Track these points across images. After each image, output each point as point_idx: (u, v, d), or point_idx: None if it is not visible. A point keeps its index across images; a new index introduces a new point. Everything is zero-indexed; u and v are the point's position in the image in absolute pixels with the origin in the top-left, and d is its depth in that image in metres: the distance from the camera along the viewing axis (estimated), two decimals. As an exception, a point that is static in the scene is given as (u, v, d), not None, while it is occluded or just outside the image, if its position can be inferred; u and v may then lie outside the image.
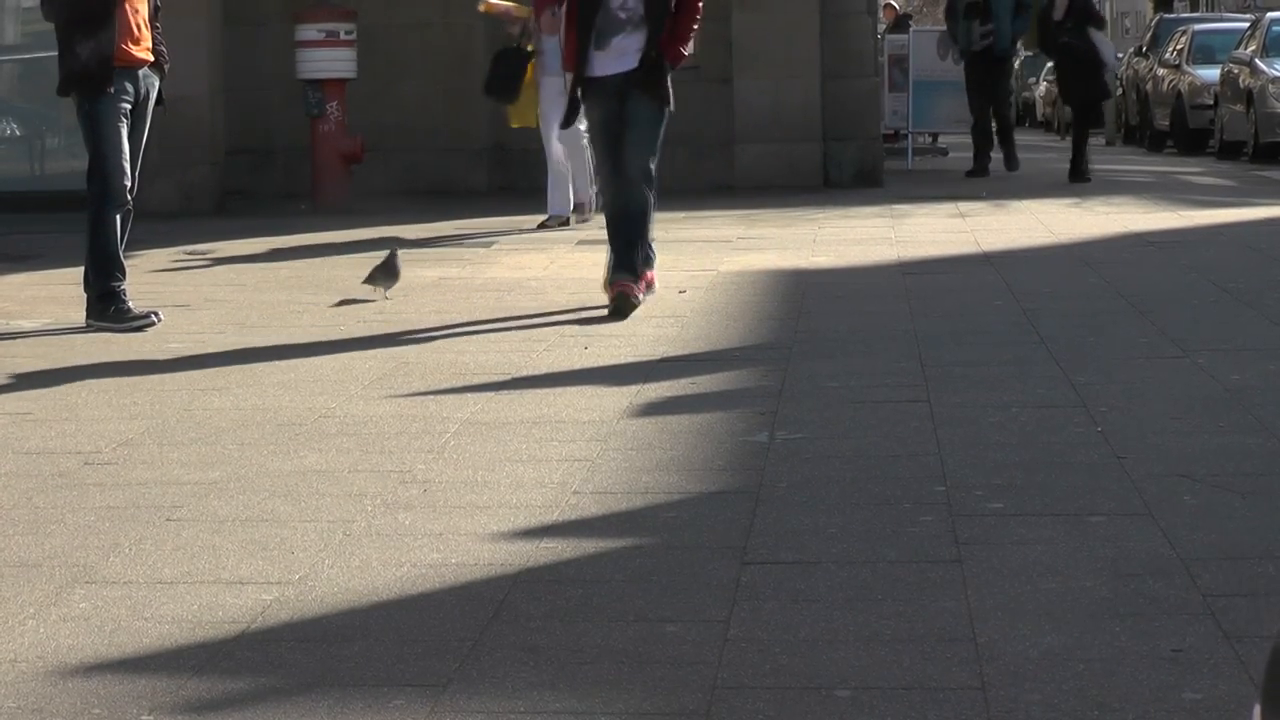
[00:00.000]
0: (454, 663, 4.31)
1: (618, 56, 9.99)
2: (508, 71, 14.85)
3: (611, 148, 10.06)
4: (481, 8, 15.24)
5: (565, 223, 14.91)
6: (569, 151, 14.71)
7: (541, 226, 14.86)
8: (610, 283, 10.04)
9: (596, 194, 13.84)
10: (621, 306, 9.84)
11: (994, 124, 21.34)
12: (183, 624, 4.63)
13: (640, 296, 10.06)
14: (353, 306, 10.50)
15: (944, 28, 21.76)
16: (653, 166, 10.03)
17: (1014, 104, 44.93)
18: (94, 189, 9.76)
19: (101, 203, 9.75)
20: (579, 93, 10.16)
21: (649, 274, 10.35)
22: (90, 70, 9.64)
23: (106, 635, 4.55)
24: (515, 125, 15.56)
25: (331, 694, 4.11)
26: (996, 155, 21.23)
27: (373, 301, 10.52)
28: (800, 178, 18.57)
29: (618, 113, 10.00)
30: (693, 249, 13.27)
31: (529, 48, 14.70)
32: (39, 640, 4.51)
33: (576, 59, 10.07)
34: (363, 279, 10.72)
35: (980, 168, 20.69)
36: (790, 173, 18.62)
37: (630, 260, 10.05)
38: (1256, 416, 6.96)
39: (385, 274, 10.61)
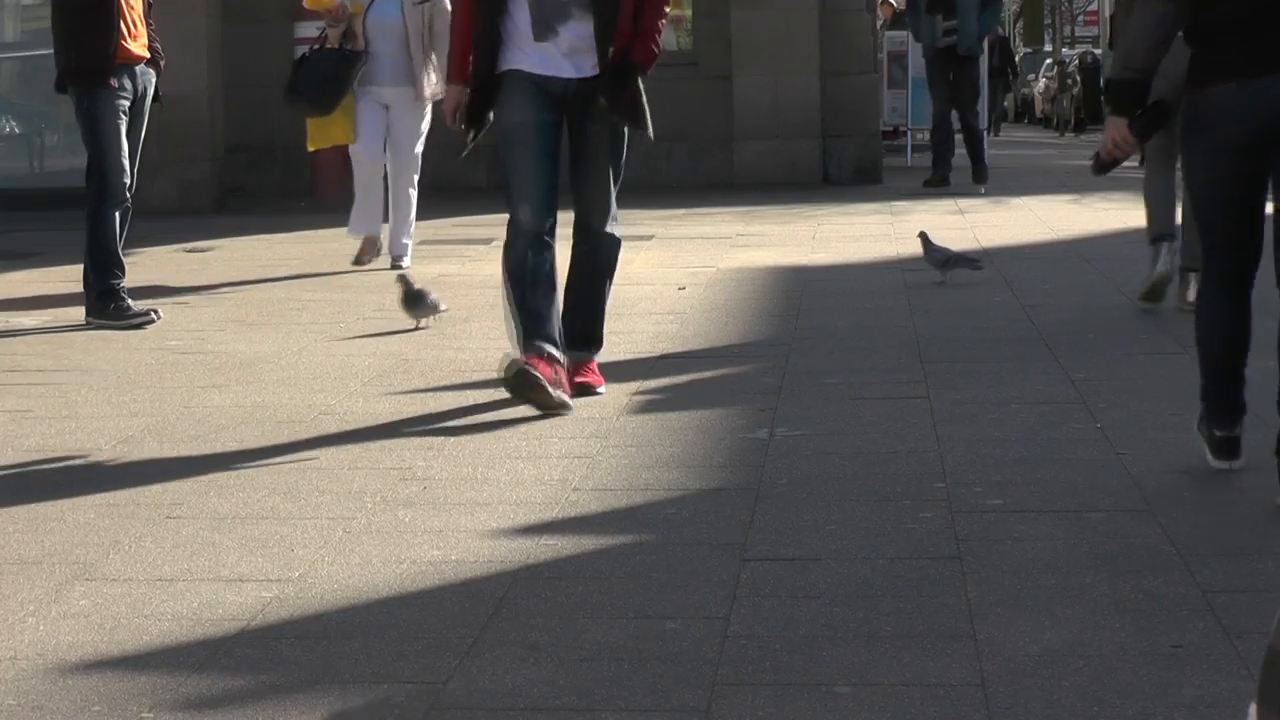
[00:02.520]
0: (454, 660, 4.32)
1: (567, 54, 7.23)
2: (330, 77, 11.83)
3: (543, 165, 7.19)
4: (307, 3, 12.23)
5: (376, 240, 12.29)
6: (394, 191, 12.12)
7: (359, 263, 12.23)
8: (524, 356, 7.06)
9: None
10: (534, 394, 7.02)
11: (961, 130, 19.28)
12: (183, 621, 4.63)
13: (590, 390, 7.51)
14: (353, 304, 10.50)
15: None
16: (615, 204, 7.52)
17: (1014, 101, 44.81)
18: (93, 186, 9.76)
19: (100, 200, 9.75)
20: (484, 94, 7.29)
21: (593, 363, 7.70)
22: (90, 66, 9.64)
23: (107, 632, 4.55)
24: (314, 147, 12.57)
25: (331, 691, 4.12)
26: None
27: (418, 329, 9.40)
28: (799, 175, 18.57)
29: (555, 120, 7.24)
30: (692, 246, 13.27)
31: (352, 49, 11.94)
32: (39, 637, 4.51)
33: (484, 47, 7.24)
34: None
35: (941, 176, 18.78)
36: (789, 170, 18.62)
37: (593, 331, 7.64)
38: (1255, 412, 6.95)
39: (416, 305, 9.41)
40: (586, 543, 5.33)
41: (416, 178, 12.12)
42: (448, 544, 5.32)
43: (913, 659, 4.27)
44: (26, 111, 18.65)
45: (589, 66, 7.26)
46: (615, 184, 7.46)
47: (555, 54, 7.25)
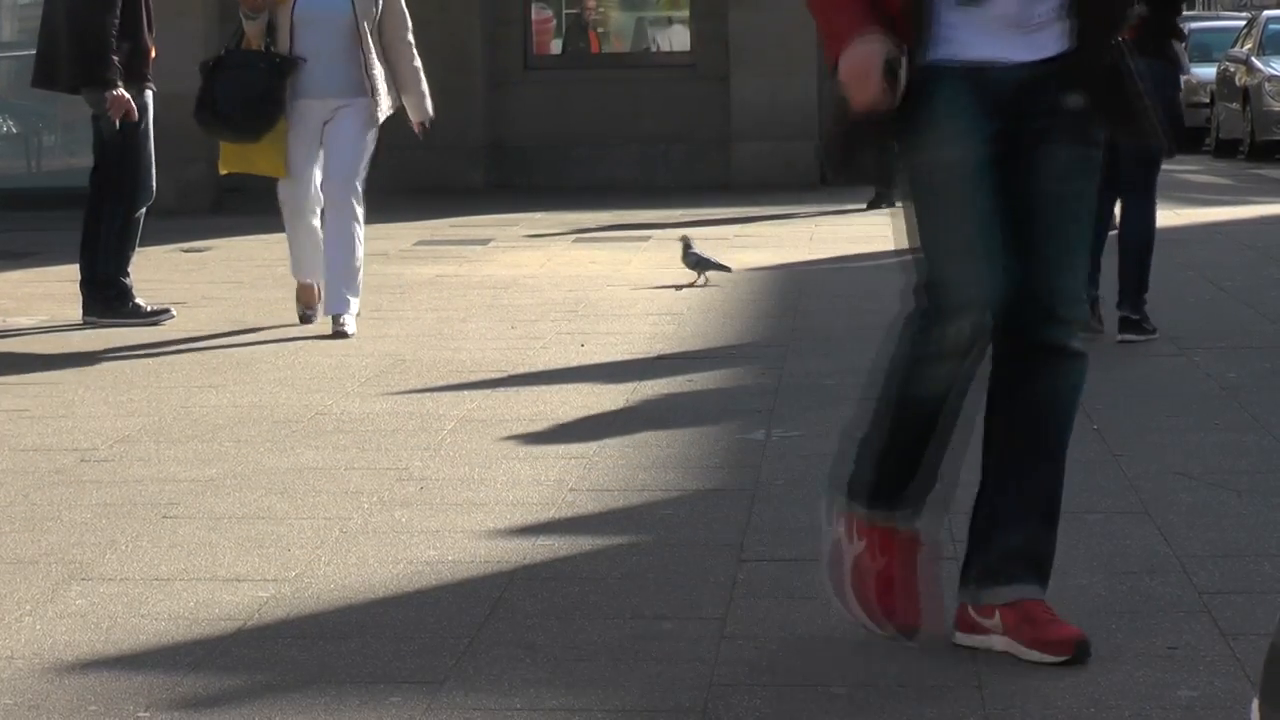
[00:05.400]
0: (451, 659, 4.32)
1: (1018, 27, 4.25)
2: (259, 97, 9.12)
3: (993, 227, 4.29)
4: None
5: (314, 287, 9.55)
6: (331, 229, 9.24)
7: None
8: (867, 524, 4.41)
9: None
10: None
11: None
12: (179, 621, 4.63)
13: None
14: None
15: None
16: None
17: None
18: (126, 186, 9.80)
19: (133, 201, 9.84)
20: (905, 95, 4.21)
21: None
22: (129, 67, 9.67)
23: (103, 632, 4.55)
24: (227, 171, 9.82)
25: (328, 691, 4.12)
26: None
27: None
28: (797, 176, 18.55)
29: (991, 158, 4.27)
30: (689, 247, 13.26)
31: (278, 53, 9.21)
32: (36, 637, 4.51)
33: (918, 18, 4.21)
34: None
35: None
36: (787, 171, 18.61)
37: (1047, 544, 4.41)
38: (1253, 414, 6.97)
39: None
40: (583, 543, 5.33)
41: (362, 212, 9.24)
42: (444, 544, 5.32)
43: (909, 660, 4.26)
44: (24, 111, 18.65)
45: (1050, 43, 4.30)
46: (1087, 249, 4.50)
47: (999, 26, 4.26)
